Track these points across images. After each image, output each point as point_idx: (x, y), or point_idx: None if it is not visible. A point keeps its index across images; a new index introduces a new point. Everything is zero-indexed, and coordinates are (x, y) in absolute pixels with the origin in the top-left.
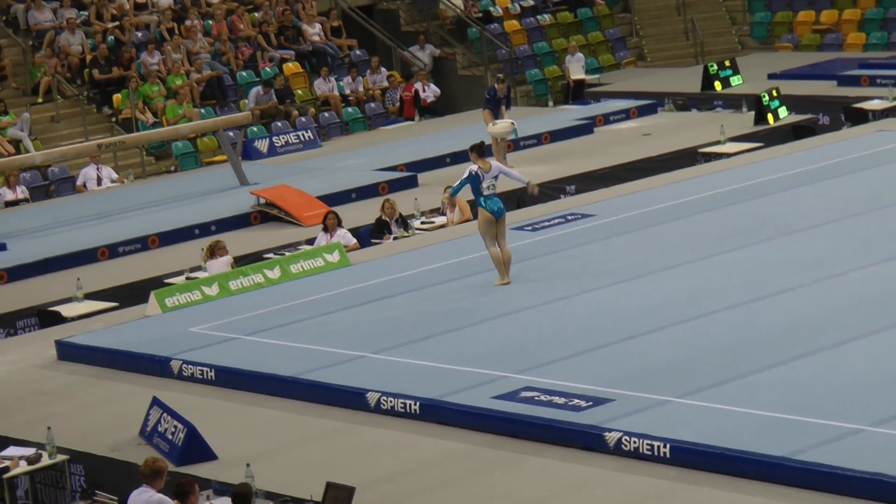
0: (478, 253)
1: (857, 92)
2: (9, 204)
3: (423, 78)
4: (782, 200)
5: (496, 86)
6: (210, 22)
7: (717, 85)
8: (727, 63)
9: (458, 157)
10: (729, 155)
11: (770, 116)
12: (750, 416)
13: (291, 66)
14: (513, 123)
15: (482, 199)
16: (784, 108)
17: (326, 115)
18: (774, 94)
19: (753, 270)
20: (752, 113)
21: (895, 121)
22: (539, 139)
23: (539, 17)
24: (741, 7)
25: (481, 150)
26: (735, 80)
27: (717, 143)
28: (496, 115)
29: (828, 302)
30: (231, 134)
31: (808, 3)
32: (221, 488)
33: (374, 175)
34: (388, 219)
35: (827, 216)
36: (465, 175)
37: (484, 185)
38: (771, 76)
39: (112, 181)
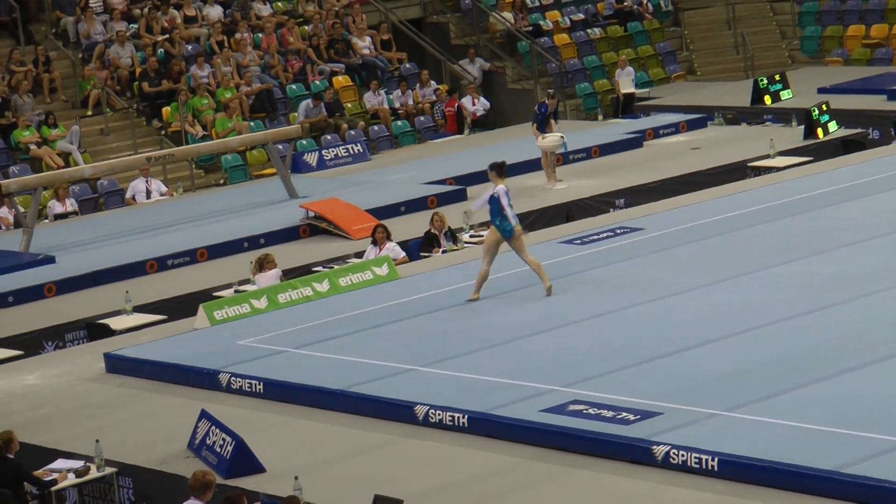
0: (526, 266)
1: None
2: (58, 217)
3: (473, 91)
4: (832, 214)
5: (546, 101)
6: (260, 35)
7: (767, 99)
8: (777, 77)
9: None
10: (778, 169)
11: (820, 131)
12: (798, 429)
13: (341, 80)
14: (562, 137)
15: (498, 219)
16: (834, 122)
17: (376, 128)
18: (824, 108)
19: (803, 284)
20: (802, 127)
21: None
22: (588, 153)
23: (589, 30)
24: (791, 21)
25: (502, 170)
26: (785, 95)
27: (767, 157)
28: (544, 131)
29: (876, 316)
30: (280, 147)
31: (859, 18)
32: (270, 501)
33: (423, 188)
34: (437, 232)
35: (876, 230)
36: (506, 198)
37: (504, 204)
38: (821, 90)
39: (161, 194)
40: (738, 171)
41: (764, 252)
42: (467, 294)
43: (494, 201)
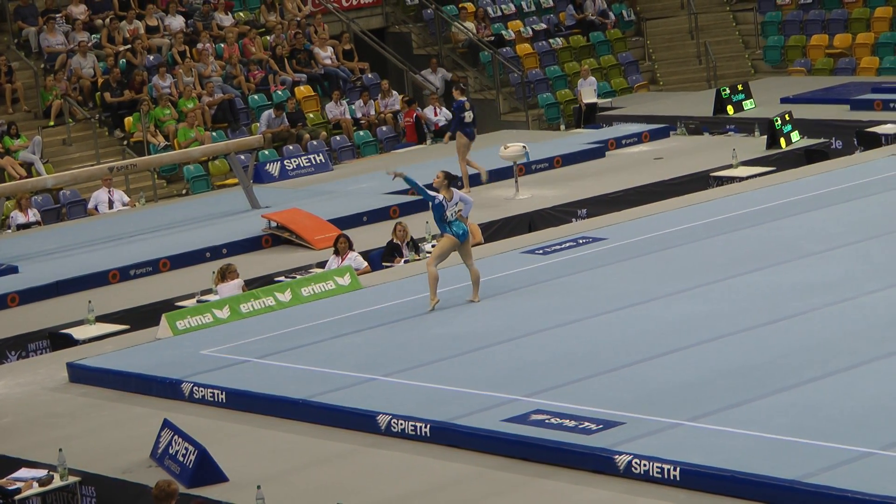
0: (489, 276)
1: (871, 116)
2: (21, 227)
3: (436, 101)
4: (794, 224)
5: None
6: (222, 45)
7: (730, 109)
8: (740, 87)
9: (470, 180)
10: (741, 179)
11: (783, 140)
12: (761, 439)
13: (303, 90)
14: (524, 147)
15: (445, 225)
16: (797, 132)
17: (338, 138)
18: (787, 118)
19: (765, 294)
20: (765, 137)
21: None
22: (551, 163)
23: (551, 40)
24: (754, 31)
25: (452, 180)
26: (748, 105)
27: (730, 167)
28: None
29: (839, 326)
30: (242, 157)
31: (822, 27)
32: None
33: (385, 199)
34: (399, 242)
35: (839, 240)
36: (435, 200)
37: (448, 213)
38: (784, 100)
39: (123, 204)
40: (700, 181)
41: (726, 262)
42: (429, 304)
43: (438, 207)
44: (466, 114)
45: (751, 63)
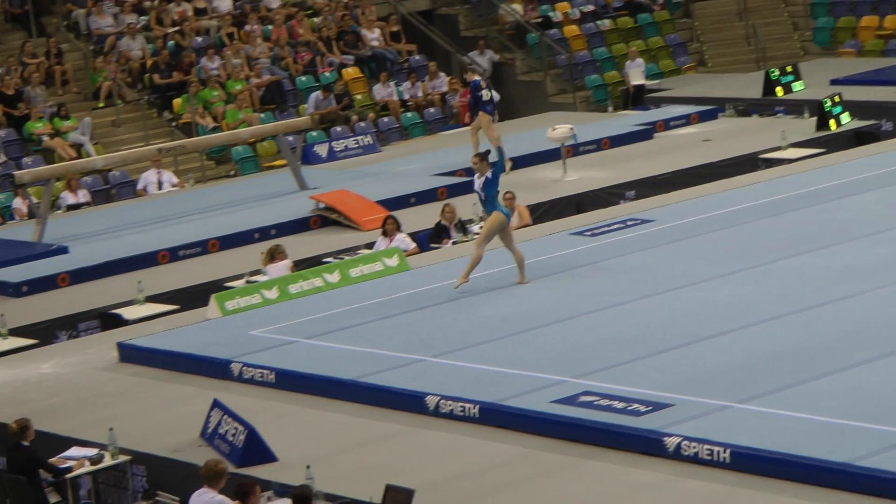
0: (537, 258)
1: None
2: (70, 208)
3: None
4: (844, 207)
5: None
6: (270, 27)
7: (779, 90)
8: (789, 69)
9: (516, 162)
10: (790, 161)
11: (832, 122)
12: (811, 422)
13: (351, 71)
14: (572, 128)
15: (497, 203)
16: (846, 113)
17: (385, 119)
18: (837, 99)
19: (814, 277)
20: (814, 119)
21: None
22: (598, 145)
23: (599, 22)
24: (803, 12)
25: (486, 157)
26: (797, 86)
27: (779, 148)
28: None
29: (889, 308)
30: (290, 139)
31: (872, 8)
32: (282, 490)
33: (433, 180)
34: (447, 223)
35: (889, 222)
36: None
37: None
38: (833, 82)
39: (172, 185)
40: (749, 163)
41: (776, 244)
42: (478, 285)
43: (486, 187)
44: (483, 92)
45: (800, 44)
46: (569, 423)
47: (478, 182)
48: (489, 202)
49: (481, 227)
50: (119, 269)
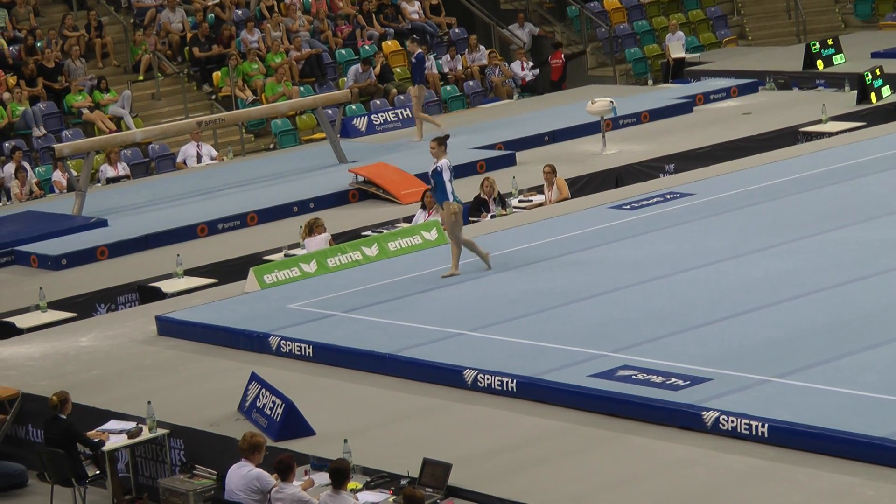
0: (575, 231)
1: None
2: (110, 181)
3: (523, 56)
4: (884, 180)
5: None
6: (310, 0)
7: (820, 63)
8: (830, 41)
9: (555, 136)
10: (830, 134)
11: (873, 95)
12: (850, 396)
13: (390, 45)
14: (612, 102)
15: (453, 194)
16: (887, 87)
17: (425, 93)
18: (878, 72)
19: (854, 250)
20: (855, 92)
21: None
22: (638, 118)
23: None
24: None
25: (444, 142)
26: (838, 59)
27: (819, 122)
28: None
29: None
30: (330, 112)
31: None
32: (319, 463)
33: (472, 153)
34: (486, 197)
35: None
36: (448, 172)
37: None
38: (874, 55)
39: (212, 158)
40: (789, 137)
41: (815, 218)
42: (516, 259)
43: (437, 175)
44: (428, 64)
45: (841, 17)
46: (607, 398)
47: (431, 167)
48: (438, 189)
49: (520, 201)
50: (158, 242)
